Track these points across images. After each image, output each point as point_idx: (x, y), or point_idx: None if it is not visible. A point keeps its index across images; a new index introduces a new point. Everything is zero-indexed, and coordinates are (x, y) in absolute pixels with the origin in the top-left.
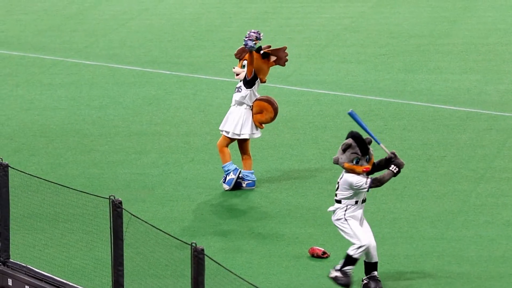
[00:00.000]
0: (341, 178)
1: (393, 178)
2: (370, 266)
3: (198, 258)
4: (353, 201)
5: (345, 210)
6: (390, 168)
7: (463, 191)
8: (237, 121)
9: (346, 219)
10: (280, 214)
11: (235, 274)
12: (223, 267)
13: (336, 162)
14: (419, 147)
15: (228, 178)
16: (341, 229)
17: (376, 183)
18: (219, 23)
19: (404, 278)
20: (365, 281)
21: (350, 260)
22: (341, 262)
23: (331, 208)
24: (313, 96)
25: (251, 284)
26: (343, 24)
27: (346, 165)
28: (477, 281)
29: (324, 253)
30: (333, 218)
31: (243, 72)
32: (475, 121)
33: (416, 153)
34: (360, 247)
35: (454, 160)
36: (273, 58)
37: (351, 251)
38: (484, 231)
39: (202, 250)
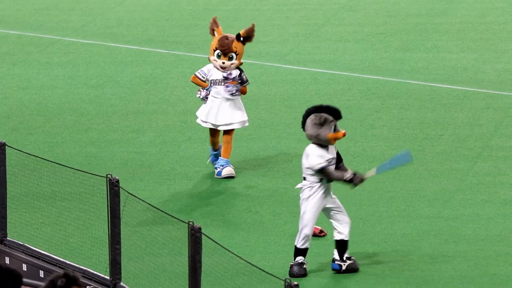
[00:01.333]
0: None
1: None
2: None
3: (195, 236)
4: None
5: None
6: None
7: (460, 170)
8: (242, 108)
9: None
10: (278, 193)
11: (232, 253)
12: (220, 245)
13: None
14: (416, 126)
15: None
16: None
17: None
18: (216, 2)
19: (400, 257)
20: (291, 264)
21: (298, 251)
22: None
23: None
24: (310, 75)
25: (248, 262)
26: (341, 3)
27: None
28: (474, 259)
29: (321, 231)
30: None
31: (233, 65)
32: (472, 100)
33: (413, 132)
34: (301, 233)
35: (451, 139)
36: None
37: (296, 240)
38: (481, 209)
39: (199, 228)
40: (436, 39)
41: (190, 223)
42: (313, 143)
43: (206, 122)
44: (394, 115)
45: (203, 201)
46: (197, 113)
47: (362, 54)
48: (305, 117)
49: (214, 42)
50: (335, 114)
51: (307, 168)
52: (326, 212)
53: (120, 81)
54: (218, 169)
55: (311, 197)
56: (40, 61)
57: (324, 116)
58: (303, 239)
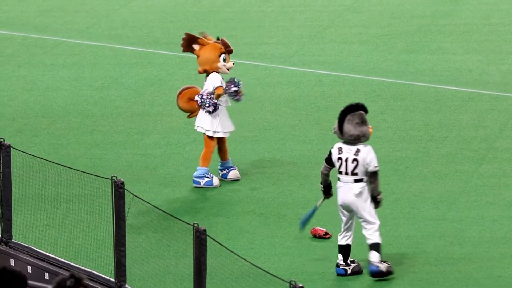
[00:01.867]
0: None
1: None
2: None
3: (200, 238)
4: None
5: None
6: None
7: (465, 172)
8: None
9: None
10: (282, 195)
11: (237, 255)
12: (225, 247)
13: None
14: (421, 127)
15: (207, 179)
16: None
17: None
18: (220, 3)
19: (405, 259)
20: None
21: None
22: (375, 254)
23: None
24: (315, 77)
25: (253, 264)
26: (345, 4)
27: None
28: (479, 261)
29: (326, 233)
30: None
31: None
32: (477, 101)
33: (418, 134)
34: (378, 228)
35: (456, 140)
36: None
37: (378, 237)
38: (486, 211)
39: (204, 230)
40: (441, 41)
41: (195, 225)
42: (352, 142)
43: (224, 132)
44: (398, 117)
45: (208, 203)
46: (211, 127)
47: (366, 55)
48: (342, 120)
49: (216, 48)
50: (365, 109)
51: (366, 168)
52: (351, 214)
53: (125, 83)
54: (224, 172)
55: (369, 197)
56: (45, 63)
57: (363, 114)
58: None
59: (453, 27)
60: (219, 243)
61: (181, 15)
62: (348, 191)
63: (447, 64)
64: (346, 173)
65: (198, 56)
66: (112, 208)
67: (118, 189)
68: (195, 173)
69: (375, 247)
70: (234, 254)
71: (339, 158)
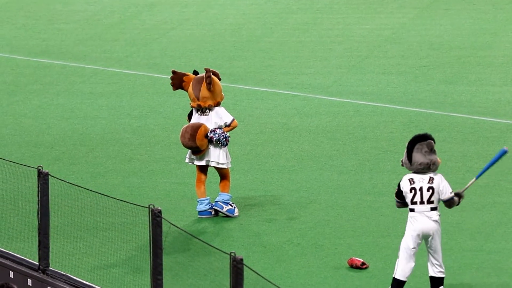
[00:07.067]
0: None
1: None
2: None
3: (237, 268)
4: None
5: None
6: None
7: (503, 203)
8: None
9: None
10: (319, 225)
11: (274, 285)
12: (262, 277)
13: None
14: (459, 158)
15: (229, 207)
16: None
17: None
18: (259, 33)
19: None
20: None
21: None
22: None
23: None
24: (353, 107)
25: None
26: (384, 35)
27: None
28: None
29: (363, 263)
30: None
31: None
32: None
33: (455, 165)
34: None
35: (494, 172)
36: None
37: (442, 273)
38: None
39: (241, 260)
40: (480, 72)
41: (232, 254)
42: (422, 171)
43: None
44: (436, 148)
45: (245, 232)
46: (226, 160)
47: (405, 86)
48: (410, 149)
49: (218, 82)
50: (433, 139)
51: (440, 195)
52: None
53: (163, 112)
54: (230, 207)
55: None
56: (84, 91)
57: (432, 143)
58: None
59: (492, 59)
60: (256, 272)
61: (220, 44)
62: (427, 219)
63: (485, 95)
64: (422, 202)
65: (212, 92)
66: (149, 237)
67: (156, 217)
68: (219, 198)
69: (441, 282)
70: (271, 284)
71: (412, 189)
